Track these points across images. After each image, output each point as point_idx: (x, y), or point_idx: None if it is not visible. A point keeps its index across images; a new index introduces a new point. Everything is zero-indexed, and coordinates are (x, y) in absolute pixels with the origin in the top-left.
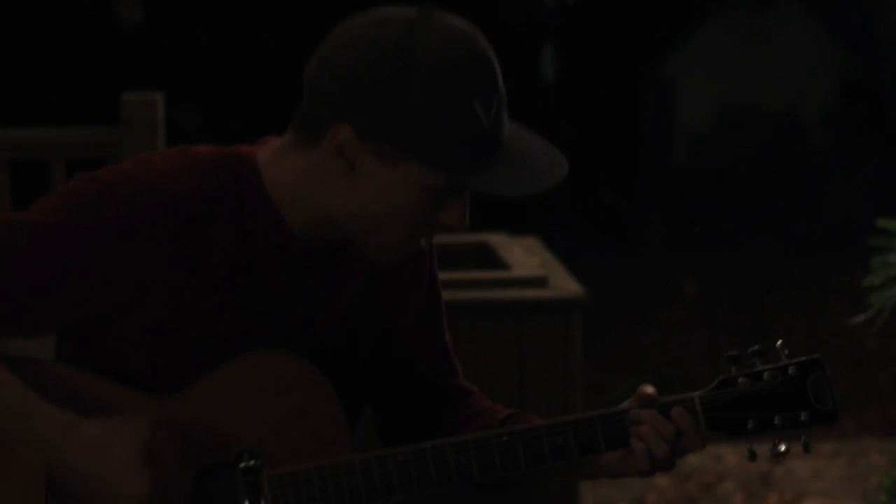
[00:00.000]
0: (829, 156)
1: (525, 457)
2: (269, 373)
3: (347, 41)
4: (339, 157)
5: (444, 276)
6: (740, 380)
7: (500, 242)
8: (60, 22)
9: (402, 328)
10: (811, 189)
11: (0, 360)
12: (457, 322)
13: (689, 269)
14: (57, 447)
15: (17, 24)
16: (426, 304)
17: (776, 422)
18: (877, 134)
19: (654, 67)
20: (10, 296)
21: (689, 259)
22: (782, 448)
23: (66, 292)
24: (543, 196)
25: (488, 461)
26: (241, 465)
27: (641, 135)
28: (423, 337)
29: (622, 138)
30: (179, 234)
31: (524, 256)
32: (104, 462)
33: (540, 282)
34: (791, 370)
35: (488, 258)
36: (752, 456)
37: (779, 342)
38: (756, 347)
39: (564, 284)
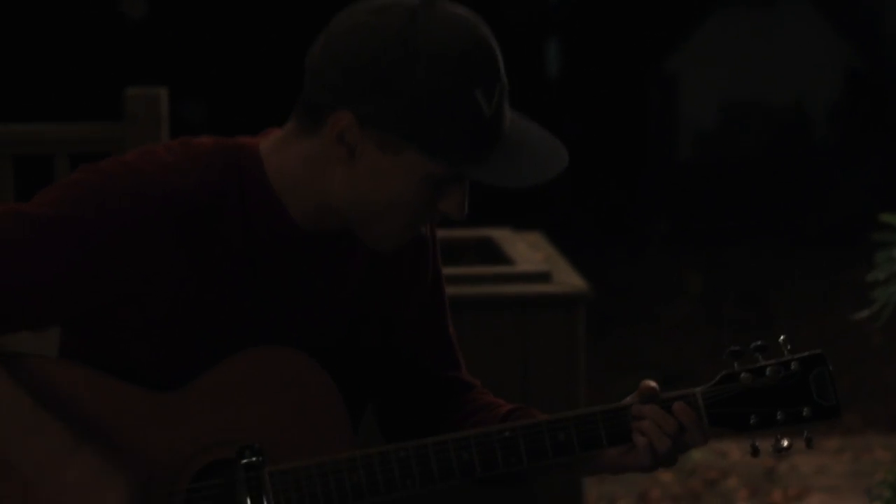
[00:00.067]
0: (834, 151)
1: (527, 452)
2: (270, 369)
3: (351, 27)
4: (339, 143)
5: (447, 271)
6: (743, 375)
7: (504, 237)
8: (64, 18)
9: (405, 321)
10: (816, 185)
11: (7, 371)
12: (460, 317)
13: (694, 265)
14: (58, 463)
15: (21, 20)
16: (429, 297)
17: (779, 417)
18: (881, 129)
19: (658, 63)
20: (13, 288)
21: (694, 255)
22: (785, 443)
23: (69, 284)
24: (547, 191)
25: (490, 457)
26: (243, 461)
27: (646, 130)
28: (427, 330)
29: (626, 134)
30: (182, 226)
31: (528, 252)
32: (96, 491)
33: (543, 277)
34: (793, 365)
35: (492, 253)
36: (755, 451)
37: (781, 337)
38: (758, 342)
39: (568, 280)
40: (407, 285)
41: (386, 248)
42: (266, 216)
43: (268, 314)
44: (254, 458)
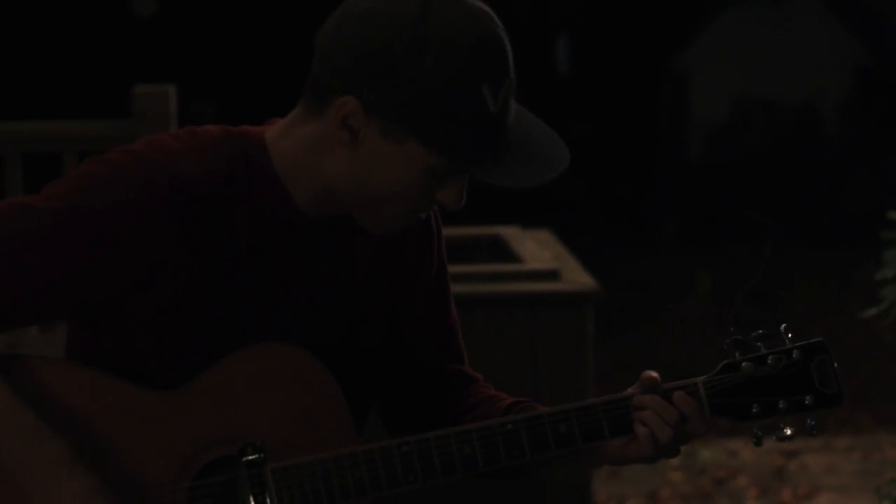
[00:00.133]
0: (845, 149)
1: (529, 445)
2: (272, 366)
3: (364, 11)
4: (343, 127)
5: (457, 269)
6: (744, 364)
7: (514, 235)
8: (72, 15)
9: (409, 312)
10: (827, 182)
11: (8, 383)
12: (470, 315)
13: (704, 263)
14: (54, 478)
15: (30, 18)
16: (434, 289)
17: (781, 406)
18: (893, 127)
19: (669, 60)
20: (23, 281)
21: (704, 253)
22: (787, 432)
23: (78, 276)
24: (557, 189)
25: (493, 450)
26: (245, 458)
27: (657, 128)
28: (430, 321)
29: (638, 131)
30: (189, 213)
31: (537, 250)
32: None
33: (552, 275)
34: (795, 354)
35: (501, 251)
36: (758, 441)
37: (782, 326)
38: (760, 331)
39: (577, 278)
40: (411, 276)
41: (382, 233)
42: (271, 203)
43: (273, 301)
44: (256, 456)
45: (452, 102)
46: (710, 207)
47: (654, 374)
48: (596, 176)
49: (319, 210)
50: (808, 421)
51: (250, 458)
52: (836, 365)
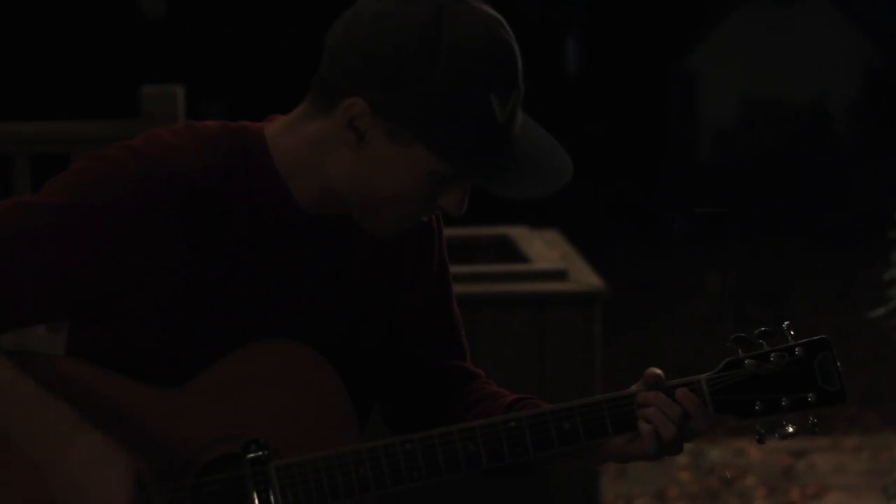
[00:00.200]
0: (853, 149)
1: (533, 442)
2: (275, 364)
3: (376, 13)
4: (349, 128)
5: (464, 269)
6: (747, 361)
7: (521, 235)
8: (81, 16)
9: (410, 308)
10: (835, 182)
11: (10, 359)
12: (477, 315)
13: (713, 262)
14: (62, 442)
15: (39, 19)
16: (435, 285)
17: (784, 403)
18: None
19: (678, 61)
20: (25, 279)
21: (713, 252)
22: (790, 430)
23: (79, 272)
24: (566, 189)
25: (496, 447)
26: (249, 455)
27: (665, 128)
28: (432, 318)
29: (646, 132)
30: (188, 208)
31: (545, 250)
32: (100, 470)
33: (560, 275)
34: (798, 351)
35: (509, 251)
36: (761, 438)
37: (785, 323)
38: (762, 329)
39: (585, 278)
40: (412, 273)
41: (380, 234)
42: (271, 200)
43: (273, 298)
44: (259, 453)
45: (459, 108)
46: (719, 207)
47: (658, 371)
48: (604, 176)
49: (320, 209)
50: (811, 418)
51: (254, 455)
52: (838, 362)
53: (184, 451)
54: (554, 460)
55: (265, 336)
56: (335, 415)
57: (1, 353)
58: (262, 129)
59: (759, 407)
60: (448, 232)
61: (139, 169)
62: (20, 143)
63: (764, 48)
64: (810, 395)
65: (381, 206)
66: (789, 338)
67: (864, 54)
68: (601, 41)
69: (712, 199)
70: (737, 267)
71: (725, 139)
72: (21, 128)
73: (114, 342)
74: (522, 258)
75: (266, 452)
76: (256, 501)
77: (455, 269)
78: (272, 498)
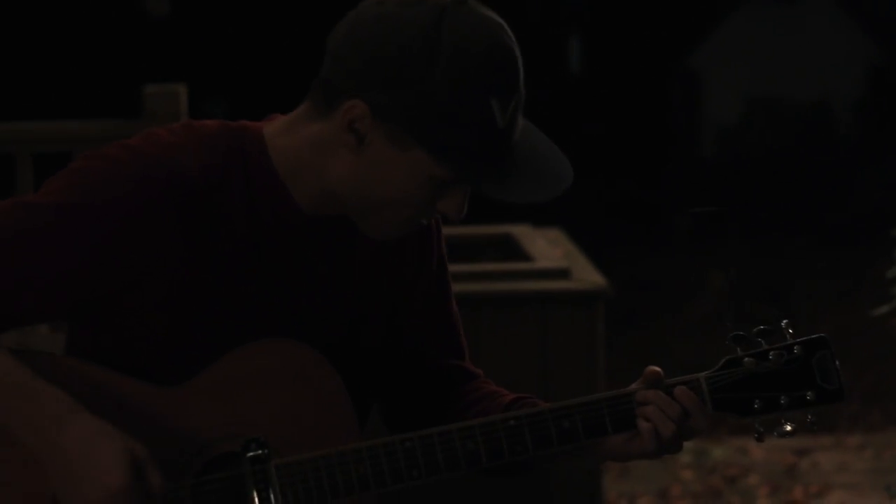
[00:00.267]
0: (857, 148)
1: (532, 441)
2: (275, 362)
3: (379, 16)
4: (349, 131)
5: (467, 267)
6: (746, 360)
7: (524, 234)
8: (84, 16)
9: (409, 308)
10: (839, 181)
11: (5, 351)
12: (480, 314)
13: (715, 261)
14: (56, 426)
15: (42, 19)
16: (434, 284)
17: (782, 401)
18: None
19: (681, 59)
20: (24, 278)
21: (717, 251)
22: (788, 428)
23: (78, 272)
24: (571, 188)
25: (496, 446)
26: (249, 454)
27: (668, 127)
28: (431, 317)
29: (649, 130)
30: (186, 207)
31: (547, 248)
32: (95, 451)
33: (563, 273)
34: (797, 349)
35: (512, 250)
36: (760, 437)
37: (784, 321)
38: (761, 327)
39: (587, 276)
40: (412, 272)
41: (379, 239)
42: (270, 199)
43: (272, 298)
44: (259, 452)
45: (460, 111)
46: (722, 205)
47: (657, 369)
48: (607, 175)
49: (319, 209)
50: (809, 417)
51: (254, 454)
52: (837, 361)
53: (184, 449)
54: (553, 459)
55: (264, 335)
56: (335, 413)
57: None
58: (260, 129)
59: (758, 405)
60: (451, 230)
61: (137, 168)
62: (22, 143)
63: (767, 47)
64: (809, 393)
65: (381, 209)
66: (788, 336)
67: (866, 53)
68: (604, 40)
69: (715, 198)
70: (739, 266)
71: (728, 138)
72: (24, 127)
73: (113, 341)
74: (525, 257)
75: (266, 451)
76: (256, 500)
77: (458, 267)
78: (272, 496)
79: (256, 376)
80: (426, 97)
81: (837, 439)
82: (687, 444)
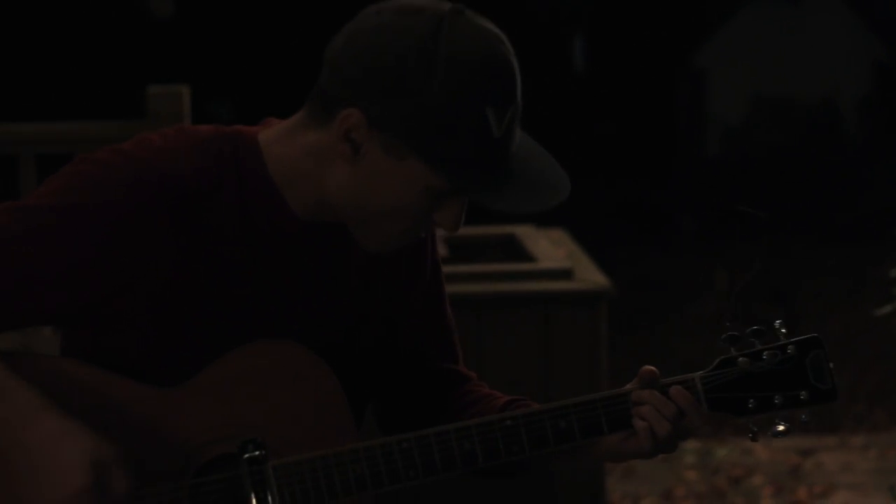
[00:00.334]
0: (863, 147)
1: (529, 441)
2: (272, 363)
3: (376, 26)
4: (345, 140)
5: (470, 268)
6: (740, 359)
7: (527, 234)
8: (87, 16)
9: (405, 312)
10: (845, 180)
11: None
12: (483, 314)
13: (721, 260)
14: (22, 425)
15: (45, 19)
16: (429, 288)
17: (776, 401)
18: None
19: (686, 58)
20: (16, 281)
21: (721, 251)
22: (781, 428)
23: (70, 276)
24: (576, 187)
25: (492, 446)
26: (246, 455)
27: (674, 126)
28: (426, 321)
29: (655, 129)
30: (178, 210)
31: (550, 249)
32: (58, 451)
33: (566, 274)
34: (790, 349)
35: (515, 250)
36: (754, 436)
37: (777, 322)
38: (755, 328)
39: (590, 277)
40: (407, 277)
41: (376, 251)
42: (265, 205)
43: (267, 302)
44: (256, 453)
45: (456, 121)
46: (727, 205)
47: (653, 368)
48: (612, 174)
49: (315, 216)
50: (802, 416)
51: (251, 455)
52: (830, 361)
53: (181, 451)
54: (550, 460)
55: (259, 338)
56: (332, 414)
57: None
58: (255, 135)
59: (753, 405)
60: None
61: (129, 172)
62: (25, 144)
63: (773, 46)
64: (803, 392)
65: (378, 220)
66: (781, 336)
67: (873, 51)
68: (609, 39)
69: (721, 198)
70: (745, 265)
71: (734, 137)
72: (27, 128)
73: (107, 344)
74: (528, 257)
75: (263, 452)
76: (254, 501)
77: (461, 268)
78: (270, 498)
79: (253, 377)
80: (422, 107)
81: (842, 439)
82: (691, 445)
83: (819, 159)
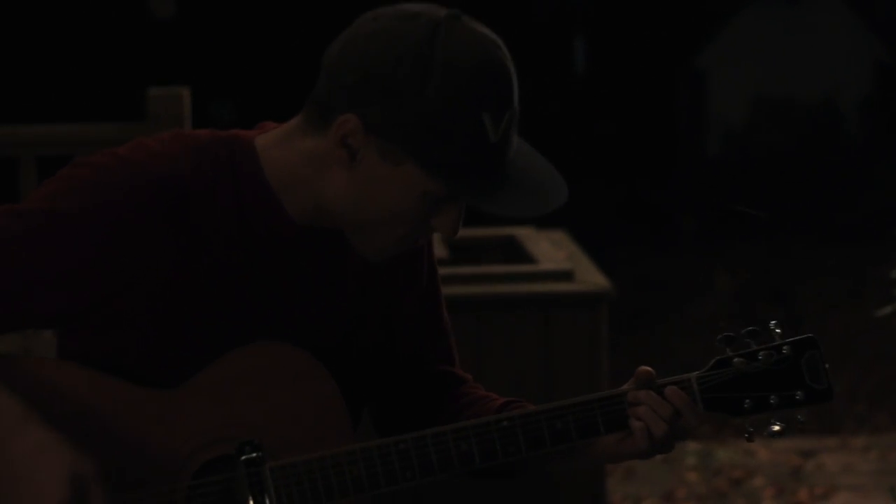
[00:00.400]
0: (864, 147)
1: (525, 441)
2: (269, 365)
3: (373, 31)
4: (342, 146)
5: (470, 270)
6: (736, 360)
7: (528, 236)
8: (87, 18)
9: (401, 315)
10: (846, 180)
11: None
12: (483, 316)
13: (722, 261)
14: (5, 435)
15: (45, 21)
16: (426, 291)
17: (772, 401)
18: None
19: (688, 59)
20: (12, 284)
21: (724, 251)
22: (776, 428)
23: (66, 278)
24: (577, 188)
25: (489, 447)
26: (243, 457)
27: (675, 127)
28: (423, 324)
29: (656, 130)
30: (174, 212)
31: (551, 250)
32: (36, 466)
33: (566, 276)
34: (786, 349)
35: (515, 252)
36: (750, 437)
37: (772, 322)
38: (750, 328)
39: (591, 278)
40: (403, 280)
41: (374, 258)
42: (262, 210)
43: (264, 307)
44: (254, 454)
45: (452, 126)
46: (726, 205)
47: (649, 369)
48: (613, 175)
49: (313, 222)
50: (799, 417)
51: (248, 456)
52: (825, 362)
53: (179, 452)
54: (546, 462)
55: (256, 341)
56: (330, 416)
57: None
58: (252, 139)
59: (749, 405)
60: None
61: (127, 175)
62: (26, 146)
63: (774, 46)
64: (798, 393)
65: (376, 226)
66: (776, 337)
67: (874, 52)
68: (610, 40)
69: (721, 198)
70: (746, 265)
71: (735, 138)
72: (27, 130)
73: (104, 347)
74: (528, 259)
75: (260, 454)
76: (251, 503)
77: (461, 269)
78: (267, 500)
79: (251, 379)
80: (418, 112)
81: (843, 441)
82: (692, 447)
83: (820, 159)
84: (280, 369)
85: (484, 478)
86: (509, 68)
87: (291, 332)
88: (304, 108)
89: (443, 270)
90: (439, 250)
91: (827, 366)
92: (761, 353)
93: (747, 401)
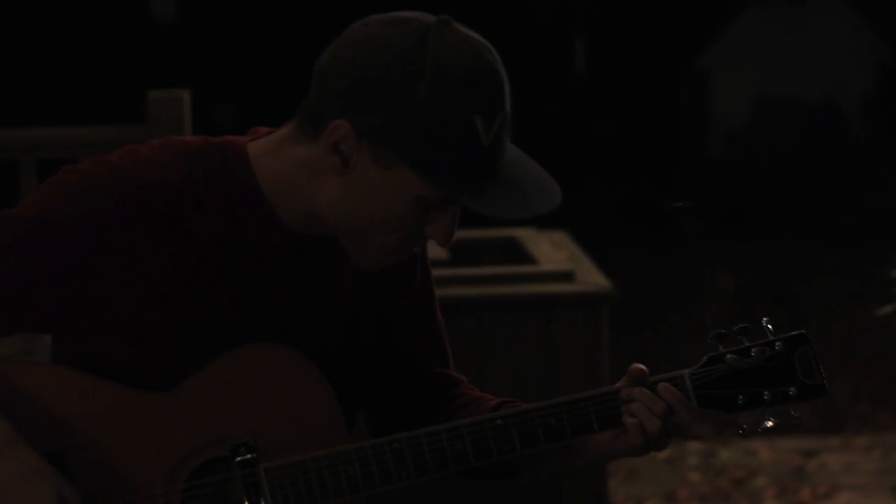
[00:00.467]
0: (867, 147)
1: (519, 440)
2: (263, 366)
3: (362, 38)
4: (334, 152)
5: (471, 271)
6: (728, 356)
7: (528, 237)
8: (87, 21)
9: (396, 319)
10: (848, 180)
11: None
12: (484, 317)
13: (724, 262)
14: None
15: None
16: (420, 294)
17: (765, 397)
18: None
19: (690, 58)
20: (6, 290)
21: (726, 251)
22: (768, 424)
23: (55, 285)
24: (578, 189)
25: (483, 445)
26: (238, 458)
27: (677, 127)
28: (417, 326)
29: (658, 130)
30: (165, 218)
31: (552, 251)
32: (23, 493)
33: (567, 276)
34: (778, 346)
35: (516, 253)
36: (744, 433)
37: (764, 319)
38: (742, 325)
39: (592, 279)
40: (397, 283)
41: (368, 266)
42: (254, 217)
43: (257, 313)
44: (248, 456)
45: (443, 129)
46: (729, 206)
47: (642, 366)
48: (614, 175)
49: (306, 229)
50: (792, 412)
51: (243, 458)
52: (817, 358)
53: (173, 455)
54: (542, 461)
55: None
56: (324, 418)
57: None
58: (244, 146)
59: (742, 401)
60: (455, 233)
61: (117, 182)
62: (26, 149)
63: (776, 47)
64: (791, 388)
65: (370, 233)
66: (769, 333)
67: (876, 52)
68: (611, 40)
69: (724, 198)
70: (748, 266)
71: (737, 138)
72: (27, 133)
73: (96, 352)
74: (529, 260)
75: (255, 455)
76: None
77: (462, 271)
78: (262, 501)
79: (245, 380)
80: (410, 117)
81: (845, 440)
82: (693, 447)
83: (822, 160)
84: (273, 371)
85: (483, 478)
86: (500, 72)
87: (284, 337)
88: (296, 115)
89: (443, 272)
90: (439, 251)
91: (818, 360)
92: (754, 349)
93: (741, 397)
